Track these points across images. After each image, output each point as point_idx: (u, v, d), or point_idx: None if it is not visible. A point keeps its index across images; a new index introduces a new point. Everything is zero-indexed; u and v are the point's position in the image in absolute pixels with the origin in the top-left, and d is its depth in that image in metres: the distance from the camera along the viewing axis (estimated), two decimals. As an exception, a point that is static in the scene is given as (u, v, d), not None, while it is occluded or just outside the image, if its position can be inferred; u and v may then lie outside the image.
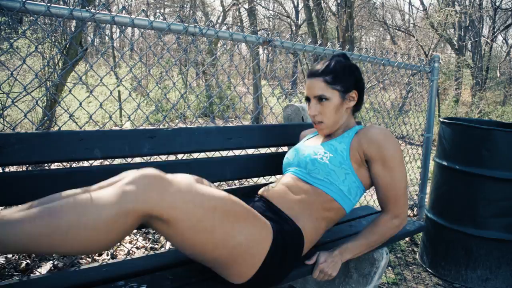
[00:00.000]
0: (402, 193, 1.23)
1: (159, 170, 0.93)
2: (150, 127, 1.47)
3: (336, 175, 1.22)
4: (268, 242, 1.07)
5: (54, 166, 2.68)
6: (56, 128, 3.45)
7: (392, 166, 1.20)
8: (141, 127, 1.42)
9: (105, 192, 0.86)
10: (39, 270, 1.82)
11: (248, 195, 1.52)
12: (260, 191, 1.33)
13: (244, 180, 3.20)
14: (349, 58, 1.36)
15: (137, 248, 2.18)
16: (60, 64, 3.27)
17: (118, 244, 2.12)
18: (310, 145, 1.35)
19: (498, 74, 12.74)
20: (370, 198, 3.18)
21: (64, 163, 1.73)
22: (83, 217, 0.82)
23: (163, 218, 0.89)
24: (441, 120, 2.28)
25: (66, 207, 0.83)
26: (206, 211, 0.94)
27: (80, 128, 1.39)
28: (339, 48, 2.33)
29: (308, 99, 1.33)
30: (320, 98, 1.28)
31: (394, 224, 1.24)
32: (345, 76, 1.29)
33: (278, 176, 1.77)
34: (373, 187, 1.31)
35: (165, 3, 14.61)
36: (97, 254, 2.03)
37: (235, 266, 1.03)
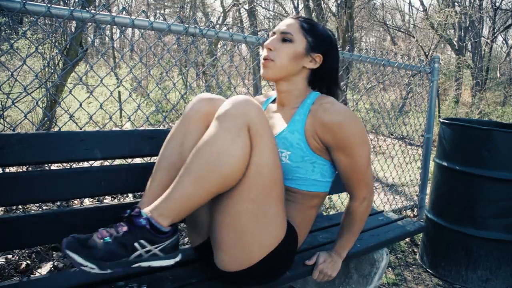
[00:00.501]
0: (364, 174, 1.16)
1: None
2: (150, 127, 1.47)
3: (303, 169, 1.14)
4: (282, 234, 1.08)
5: (54, 166, 2.68)
6: (56, 129, 3.44)
7: (352, 151, 1.11)
8: (141, 128, 1.42)
9: (212, 128, 0.97)
10: (39, 270, 1.82)
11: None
12: None
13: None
14: (335, 38, 1.26)
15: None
16: (61, 65, 3.27)
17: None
18: None
19: (498, 75, 12.74)
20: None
21: (64, 164, 1.73)
22: (209, 159, 0.94)
23: (252, 139, 0.98)
24: (441, 120, 2.28)
25: (194, 161, 0.95)
26: (275, 162, 1.03)
27: (80, 129, 1.39)
28: (339, 49, 2.32)
29: (273, 35, 1.18)
30: (285, 38, 1.14)
31: (364, 206, 1.19)
32: (322, 36, 1.18)
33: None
34: None
35: (165, 3, 14.62)
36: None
37: (246, 238, 1.02)
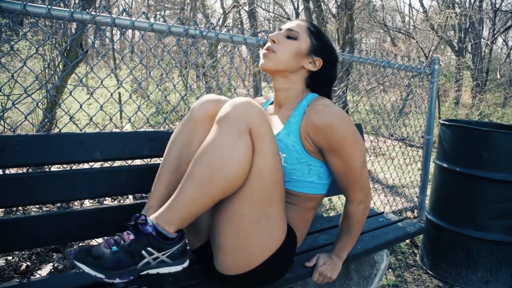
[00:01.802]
0: (359, 177, 1.13)
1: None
2: (150, 129, 1.47)
3: (299, 172, 1.14)
4: (282, 236, 1.08)
5: (54, 168, 2.68)
6: (56, 130, 3.45)
7: (345, 153, 1.09)
8: (142, 129, 1.42)
9: (214, 131, 0.97)
10: (39, 272, 1.82)
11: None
12: None
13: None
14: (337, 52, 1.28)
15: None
16: (61, 66, 3.27)
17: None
18: None
19: (498, 76, 12.74)
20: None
21: (65, 165, 1.73)
22: (212, 163, 0.94)
23: (254, 142, 0.98)
24: (441, 122, 2.28)
25: (196, 166, 0.96)
26: (276, 164, 1.03)
27: (81, 130, 1.39)
28: (339, 50, 2.33)
29: (279, 31, 1.20)
30: (290, 36, 1.16)
31: (360, 209, 1.18)
32: (326, 43, 1.20)
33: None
34: None
35: (166, 5, 14.63)
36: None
37: (247, 241, 1.02)
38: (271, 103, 1.31)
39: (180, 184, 0.97)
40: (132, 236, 0.95)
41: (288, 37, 1.16)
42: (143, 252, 0.94)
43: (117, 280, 0.92)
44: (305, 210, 1.20)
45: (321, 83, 1.22)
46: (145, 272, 0.96)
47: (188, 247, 1.31)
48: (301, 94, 1.20)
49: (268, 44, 1.17)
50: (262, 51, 1.19)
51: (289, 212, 1.17)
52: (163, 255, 0.96)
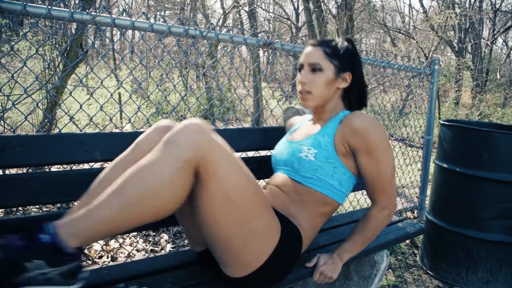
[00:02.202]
0: (388, 183, 1.19)
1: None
2: (150, 129, 1.46)
3: (324, 171, 1.18)
4: (277, 237, 1.08)
5: (54, 168, 2.68)
6: (56, 131, 3.45)
7: (377, 156, 1.15)
8: (142, 130, 1.42)
9: (155, 154, 0.89)
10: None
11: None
12: None
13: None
14: (355, 44, 1.32)
15: (138, 250, 2.18)
16: (61, 67, 3.27)
17: (118, 246, 2.12)
18: (294, 141, 1.30)
19: (498, 76, 12.75)
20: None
21: (65, 166, 1.73)
22: (147, 184, 0.86)
23: (208, 169, 0.91)
24: (441, 122, 2.28)
25: (127, 182, 0.87)
26: (242, 181, 0.98)
27: (81, 131, 1.39)
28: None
29: (301, 67, 1.27)
30: (314, 68, 1.23)
31: (383, 215, 1.21)
32: (345, 55, 1.25)
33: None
34: None
35: (166, 5, 14.64)
36: (97, 257, 2.03)
37: (242, 254, 1.03)
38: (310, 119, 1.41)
39: (103, 196, 0.86)
40: (21, 242, 0.80)
41: (314, 70, 1.23)
42: (30, 263, 0.79)
43: None
44: (316, 215, 1.22)
45: (356, 88, 1.29)
46: None
47: (189, 247, 1.31)
48: (339, 108, 1.29)
49: (300, 87, 1.25)
50: (298, 94, 1.27)
51: (300, 213, 1.19)
52: (53, 271, 0.81)
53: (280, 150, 1.36)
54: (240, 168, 0.99)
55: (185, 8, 13.41)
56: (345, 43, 1.28)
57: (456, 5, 11.58)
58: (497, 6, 12.07)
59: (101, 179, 1.03)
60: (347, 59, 1.25)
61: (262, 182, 1.69)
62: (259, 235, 1.03)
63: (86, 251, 2.01)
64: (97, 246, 2.08)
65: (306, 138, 1.26)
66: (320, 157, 1.18)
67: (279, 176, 1.29)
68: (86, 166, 2.56)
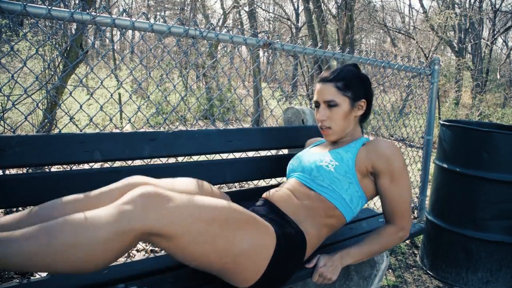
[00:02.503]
0: (407, 206, 1.26)
1: (158, 186, 0.94)
2: (150, 129, 1.47)
3: (340, 184, 1.23)
4: (272, 246, 1.07)
5: (54, 168, 2.68)
6: (56, 131, 3.45)
7: (399, 181, 1.23)
8: (142, 130, 1.42)
9: (102, 211, 0.86)
10: (39, 272, 1.82)
11: (249, 197, 1.52)
12: (264, 195, 1.34)
13: (244, 182, 3.20)
14: (360, 68, 1.38)
15: (137, 250, 2.18)
16: (61, 67, 3.27)
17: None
18: (316, 152, 1.35)
19: (498, 76, 12.75)
20: (370, 201, 3.17)
21: (65, 166, 1.73)
22: (80, 237, 0.82)
23: (163, 235, 0.89)
24: (441, 122, 2.28)
25: (62, 227, 0.82)
26: (205, 223, 0.94)
27: (81, 131, 1.39)
28: (339, 51, 2.33)
29: (317, 104, 1.34)
30: (330, 104, 1.29)
31: (399, 236, 1.27)
32: (356, 84, 1.31)
33: (279, 179, 1.77)
34: (374, 197, 1.34)
35: (166, 5, 14.64)
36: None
37: (240, 273, 1.03)
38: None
39: (35, 229, 0.83)
40: None
41: (330, 106, 1.30)
42: None
43: None
44: (323, 224, 1.24)
45: (369, 109, 1.37)
46: None
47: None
48: (357, 134, 1.37)
49: (320, 124, 1.33)
50: (320, 130, 1.35)
51: (308, 219, 1.21)
52: None
53: (299, 158, 1.40)
54: (200, 209, 0.94)
55: (185, 8, 13.41)
56: (353, 69, 1.33)
57: (456, 5, 11.58)
58: (497, 6, 12.08)
59: (54, 205, 1.01)
60: (359, 87, 1.31)
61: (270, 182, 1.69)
62: (250, 254, 1.02)
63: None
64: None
65: (330, 151, 1.32)
66: (340, 170, 1.23)
67: (293, 182, 1.31)
68: (86, 166, 2.56)
